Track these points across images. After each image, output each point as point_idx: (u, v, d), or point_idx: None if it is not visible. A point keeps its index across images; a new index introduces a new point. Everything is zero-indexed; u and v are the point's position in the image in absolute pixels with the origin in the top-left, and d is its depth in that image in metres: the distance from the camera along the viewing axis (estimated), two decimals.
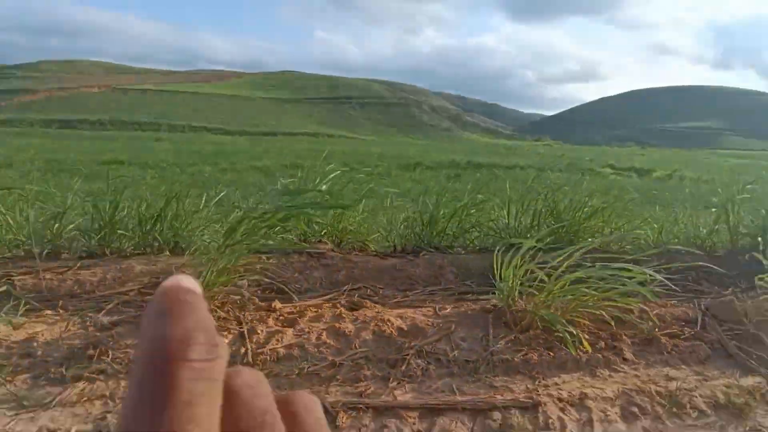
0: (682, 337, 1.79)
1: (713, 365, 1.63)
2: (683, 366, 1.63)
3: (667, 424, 1.31)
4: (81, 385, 1.45)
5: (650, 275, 1.67)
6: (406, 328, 1.78)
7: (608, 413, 1.33)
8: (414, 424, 1.25)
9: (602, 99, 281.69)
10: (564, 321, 1.69)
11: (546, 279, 1.73)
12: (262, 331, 1.68)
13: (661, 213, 4.27)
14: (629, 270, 1.83)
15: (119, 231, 2.93)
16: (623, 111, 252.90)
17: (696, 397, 1.41)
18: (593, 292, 1.76)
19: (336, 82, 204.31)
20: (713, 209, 3.59)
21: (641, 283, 1.73)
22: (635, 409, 1.35)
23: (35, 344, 1.66)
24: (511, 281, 1.82)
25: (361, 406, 1.32)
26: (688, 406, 1.38)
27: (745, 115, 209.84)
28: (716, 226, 3.23)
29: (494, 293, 1.97)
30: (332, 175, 3.61)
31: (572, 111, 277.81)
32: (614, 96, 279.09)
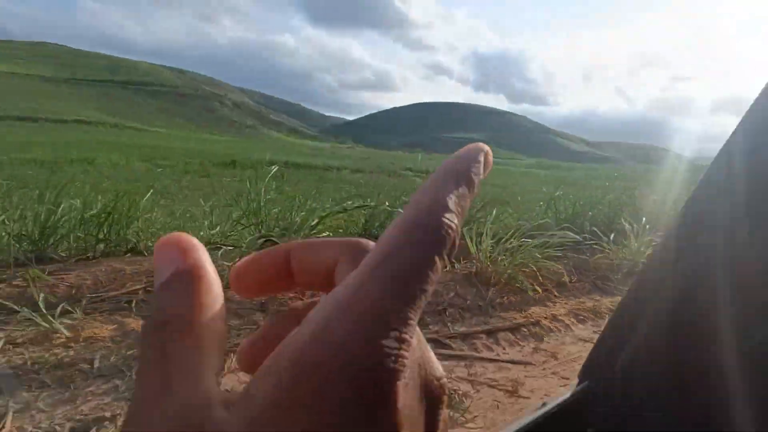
0: (573, 281, 2.92)
1: (597, 294, 2.78)
2: (583, 297, 2.73)
3: (600, 323, 2.34)
4: None
5: (571, 238, 2.73)
6: None
7: (572, 321, 2.29)
8: (484, 338, 1.98)
9: (395, 108, 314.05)
10: (522, 276, 2.62)
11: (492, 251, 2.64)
12: None
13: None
14: (547, 241, 2.88)
15: (77, 233, 2.76)
16: (411, 120, 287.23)
17: (602, 309, 2.50)
18: (534, 257, 2.74)
19: (116, 63, 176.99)
20: (540, 202, 5.16)
21: (559, 249, 2.79)
22: (582, 318, 2.35)
23: None
24: (484, 254, 2.68)
25: (447, 334, 1.97)
26: (602, 313, 2.44)
27: (499, 129, 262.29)
28: (546, 214, 4.70)
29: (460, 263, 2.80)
30: (271, 173, 3.95)
31: (369, 117, 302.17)
32: (404, 106, 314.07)
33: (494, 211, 3.35)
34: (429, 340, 1.89)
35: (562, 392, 0.50)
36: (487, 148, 0.19)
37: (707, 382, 0.45)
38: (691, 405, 0.47)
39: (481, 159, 0.19)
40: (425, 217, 0.16)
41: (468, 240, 2.78)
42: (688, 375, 0.47)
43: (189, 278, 0.17)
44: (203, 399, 0.14)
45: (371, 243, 0.20)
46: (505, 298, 2.50)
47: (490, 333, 2.06)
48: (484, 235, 2.81)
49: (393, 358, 0.14)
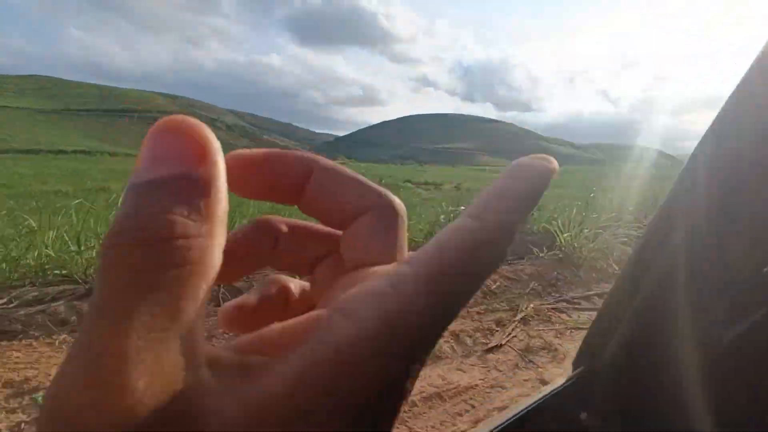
0: None
1: None
2: None
3: None
4: None
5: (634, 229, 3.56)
6: (530, 272, 3.26)
7: None
8: (597, 299, 2.79)
9: (383, 122, 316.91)
10: (601, 259, 3.44)
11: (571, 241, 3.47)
12: None
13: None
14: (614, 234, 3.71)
15: None
16: (401, 133, 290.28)
17: None
18: (610, 244, 3.56)
19: (107, 92, 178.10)
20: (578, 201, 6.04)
21: (624, 237, 3.62)
22: None
23: None
24: (569, 243, 3.50)
25: (569, 297, 2.78)
26: None
27: (488, 138, 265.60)
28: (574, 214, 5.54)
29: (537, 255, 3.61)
30: None
31: (359, 132, 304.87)
32: (393, 120, 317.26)
33: (574, 210, 4.19)
34: (560, 301, 2.71)
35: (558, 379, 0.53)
36: (556, 165, 0.17)
37: (679, 377, 0.47)
38: (668, 395, 0.49)
39: (550, 182, 0.17)
40: (492, 238, 0.15)
41: (555, 232, 3.61)
42: (662, 368, 0.49)
43: (204, 189, 0.13)
44: (191, 353, 0.11)
45: (402, 207, 0.19)
46: (593, 274, 3.32)
47: (599, 295, 2.87)
48: (566, 228, 3.64)
49: (411, 380, 0.14)
